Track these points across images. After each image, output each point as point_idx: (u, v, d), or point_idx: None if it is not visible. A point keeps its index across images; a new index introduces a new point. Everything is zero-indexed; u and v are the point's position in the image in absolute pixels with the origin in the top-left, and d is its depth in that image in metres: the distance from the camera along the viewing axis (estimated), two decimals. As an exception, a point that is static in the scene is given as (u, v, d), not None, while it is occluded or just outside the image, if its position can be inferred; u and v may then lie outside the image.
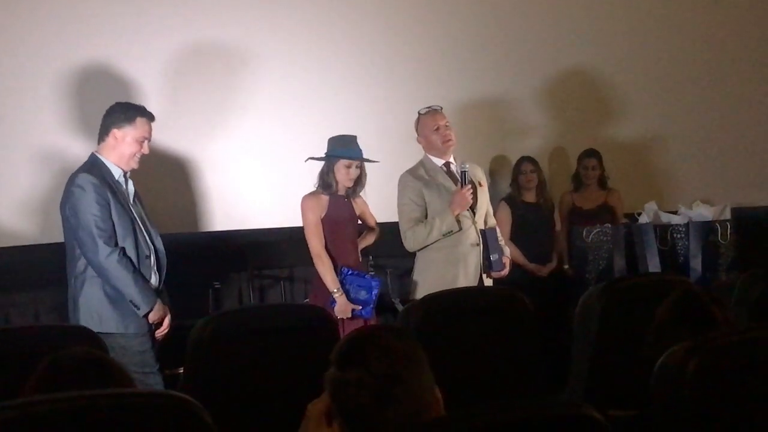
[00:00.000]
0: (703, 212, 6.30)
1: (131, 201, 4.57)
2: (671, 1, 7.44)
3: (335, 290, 5.00)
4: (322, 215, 5.09)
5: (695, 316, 2.78)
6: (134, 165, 4.59)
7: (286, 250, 6.22)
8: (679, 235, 6.18)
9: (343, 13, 6.43)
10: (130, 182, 4.60)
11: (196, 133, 5.98)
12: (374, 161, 5.24)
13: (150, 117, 4.60)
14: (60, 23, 5.60)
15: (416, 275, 5.31)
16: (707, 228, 6.18)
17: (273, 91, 6.17)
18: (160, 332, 4.58)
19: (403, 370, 2.03)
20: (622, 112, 7.30)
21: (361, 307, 5.04)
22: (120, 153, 4.53)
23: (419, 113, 5.39)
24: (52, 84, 5.57)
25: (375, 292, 5.08)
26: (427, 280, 5.17)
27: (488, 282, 5.27)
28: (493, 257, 5.25)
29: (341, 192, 5.15)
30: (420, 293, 5.08)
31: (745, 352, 2.27)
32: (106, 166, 4.51)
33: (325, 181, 5.12)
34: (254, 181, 6.13)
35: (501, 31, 6.92)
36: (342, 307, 4.99)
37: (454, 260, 5.20)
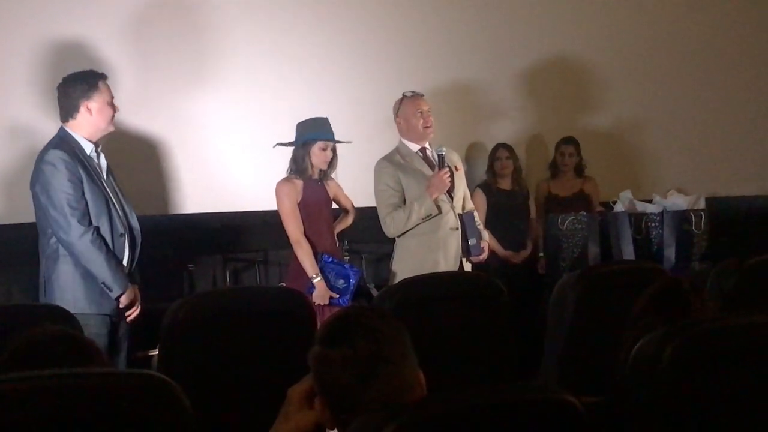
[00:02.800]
0: (678, 201, 6.32)
1: (104, 176, 4.46)
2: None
3: (315, 276, 5.00)
4: (298, 200, 5.08)
5: (674, 306, 2.80)
6: (111, 128, 4.51)
7: (261, 234, 6.21)
8: (653, 224, 6.19)
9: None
10: (102, 156, 4.49)
11: (168, 113, 5.92)
12: (348, 142, 5.23)
13: (106, 77, 4.52)
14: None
15: (395, 263, 5.29)
16: (681, 217, 6.20)
17: (248, 71, 6.13)
18: (130, 315, 4.48)
19: (388, 350, 2.04)
20: (599, 101, 7.32)
21: (338, 296, 5.04)
22: (95, 125, 4.43)
23: (404, 95, 5.37)
24: (18, 60, 5.49)
25: (353, 281, 5.07)
26: (407, 267, 5.14)
27: (467, 267, 5.28)
28: (471, 242, 5.25)
29: (315, 176, 5.14)
30: (399, 278, 5.09)
31: (720, 339, 2.28)
32: (77, 141, 4.40)
33: (300, 166, 5.10)
34: (229, 163, 6.10)
35: (479, 16, 6.91)
36: (321, 293, 4.98)
37: (434, 246, 5.20)
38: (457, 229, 5.24)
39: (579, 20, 7.18)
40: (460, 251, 5.24)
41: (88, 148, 4.43)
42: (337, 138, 5.15)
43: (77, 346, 2.09)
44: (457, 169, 5.36)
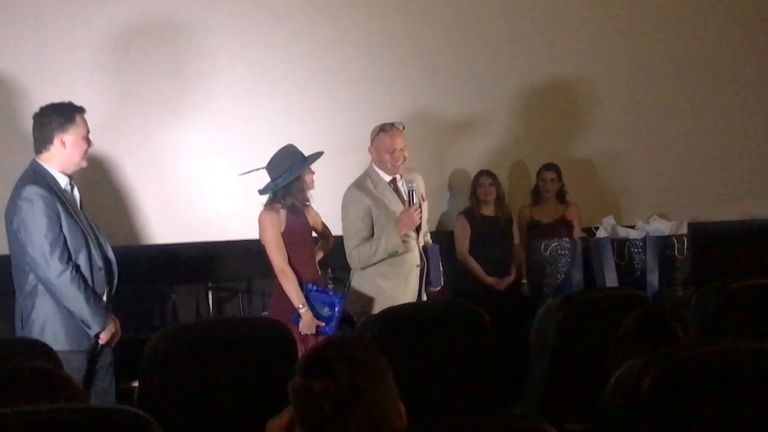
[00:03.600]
0: (660, 227, 6.33)
1: (79, 210, 4.41)
2: (630, 20, 7.48)
3: (301, 306, 4.98)
4: (282, 229, 5.07)
5: (657, 333, 2.80)
6: (84, 164, 4.44)
7: (244, 263, 6.18)
8: (636, 250, 6.20)
9: (304, 21, 6.40)
10: (76, 189, 4.44)
11: (148, 143, 5.90)
12: (321, 153, 5.20)
13: (83, 110, 4.43)
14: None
15: (353, 283, 5.33)
16: (664, 242, 6.21)
17: (227, 101, 6.12)
18: (111, 343, 4.43)
19: (368, 381, 2.03)
20: (581, 127, 7.34)
21: (324, 324, 5.03)
22: (68, 158, 4.35)
23: (382, 127, 5.31)
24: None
25: (338, 308, 5.06)
26: (364, 290, 5.23)
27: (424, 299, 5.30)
28: (435, 274, 5.29)
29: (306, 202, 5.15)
30: (360, 306, 5.11)
31: (700, 366, 2.29)
32: (51, 175, 4.33)
33: (301, 197, 5.08)
34: (210, 193, 6.08)
35: (462, 45, 6.92)
36: (307, 323, 4.97)
37: (394, 281, 5.22)
38: (418, 266, 5.26)
39: (561, 51, 7.20)
40: (418, 287, 5.26)
41: (63, 181, 4.36)
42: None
43: (55, 382, 2.07)
44: (423, 199, 5.35)
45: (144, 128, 5.88)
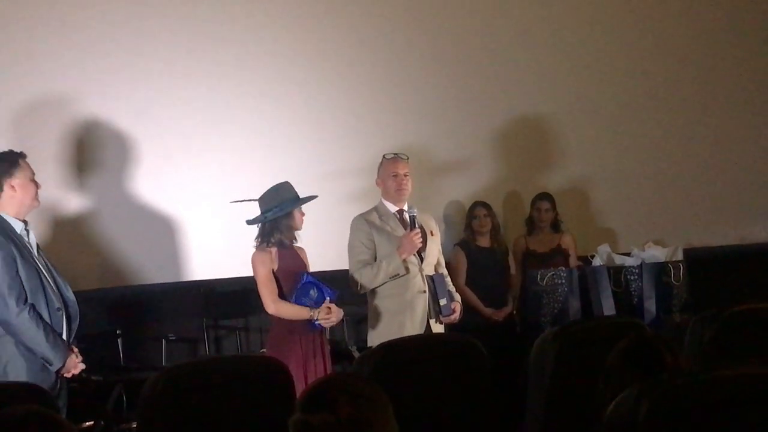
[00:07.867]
0: (656, 253, 6.34)
1: (35, 253, 4.46)
2: (616, 47, 7.53)
3: (311, 314, 4.94)
4: (274, 268, 5.06)
5: (645, 361, 2.80)
6: (37, 204, 4.53)
7: (241, 300, 6.19)
8: (632, 277, 6.21)
9: (295, 57, 6.44)
10: (32, 234, 4.51)
11: (145, 183, 5.93)
12: (315, 197, 5.21)
13: (25, 155, 4.52)
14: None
15: (369, 322, 5.37)
16: (660, 269, 6.22)
17: (223, 138, 6.15)
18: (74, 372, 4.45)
19: (369, 416, 2.04)
20: (574, 156, 7.36)
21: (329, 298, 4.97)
22: (20, 201, 4.44)
23: (384, 157, 5.47)
24: None
25: (328, 297, 5.00)
26: (377, 328, 5.26)
27: (436, 328, 5.30)
28: (442, 302, 5.28)
29: (294, 241, 5.14)
30: (371, 340, 5.14)
31: (696, 394, 2.28)
32: (7, 221, 4.41)
33: (287, 234, 5.07)
34: (206, 231, 6.09)
35: (454, 78, 6.97)
36: (325, 315, 4.93)
37: (401, 308, 5.26)
38: (425, 291, 5.28)
39: (552, 83, 7.27)
40: (427, 314, 5.27)
41: (18, 227, 4.44)
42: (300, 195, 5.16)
43: (48, 425, 2.06)
44: (432, 234, 5.42)
45: (142, 171, 5.90)
